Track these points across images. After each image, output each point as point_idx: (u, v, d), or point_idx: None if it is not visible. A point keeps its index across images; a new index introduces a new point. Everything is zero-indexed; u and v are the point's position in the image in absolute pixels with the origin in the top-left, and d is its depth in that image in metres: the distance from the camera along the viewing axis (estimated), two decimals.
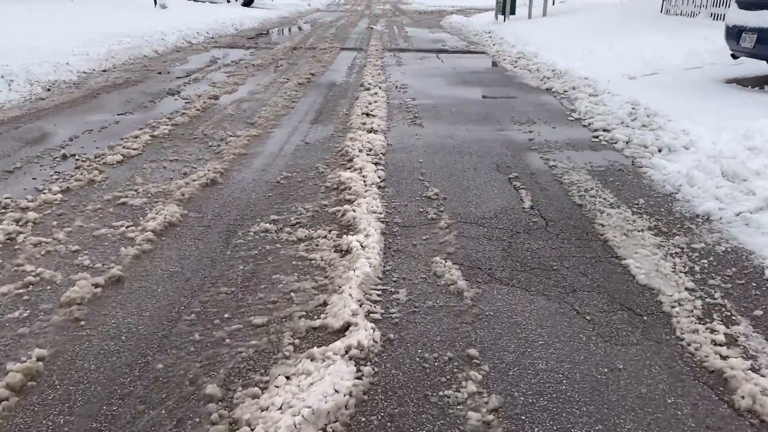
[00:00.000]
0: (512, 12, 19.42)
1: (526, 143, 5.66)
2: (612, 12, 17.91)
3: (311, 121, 6.34)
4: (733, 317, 2.71)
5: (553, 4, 28.77)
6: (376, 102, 7.21)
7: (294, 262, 3.14)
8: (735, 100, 6.78)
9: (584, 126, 6.42)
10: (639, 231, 3.63)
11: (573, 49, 11.30)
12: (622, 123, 6.32)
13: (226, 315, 2.65)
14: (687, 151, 5.13)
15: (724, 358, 2.41)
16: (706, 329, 2.60)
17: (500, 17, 20.05)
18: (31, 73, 7.55)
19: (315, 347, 2.37)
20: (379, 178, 4.44)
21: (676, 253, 3.35)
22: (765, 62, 8.05)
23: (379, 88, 8.29)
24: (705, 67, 8.99)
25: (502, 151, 5.39)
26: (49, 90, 7.31)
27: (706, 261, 3.25)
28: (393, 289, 2.89)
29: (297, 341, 2.48)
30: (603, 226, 3.72)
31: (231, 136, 5.52)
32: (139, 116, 6.30)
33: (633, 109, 6.70)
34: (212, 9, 21.69)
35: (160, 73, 9.30)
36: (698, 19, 13.70)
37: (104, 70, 8.99)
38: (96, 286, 2.84)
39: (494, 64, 11.54)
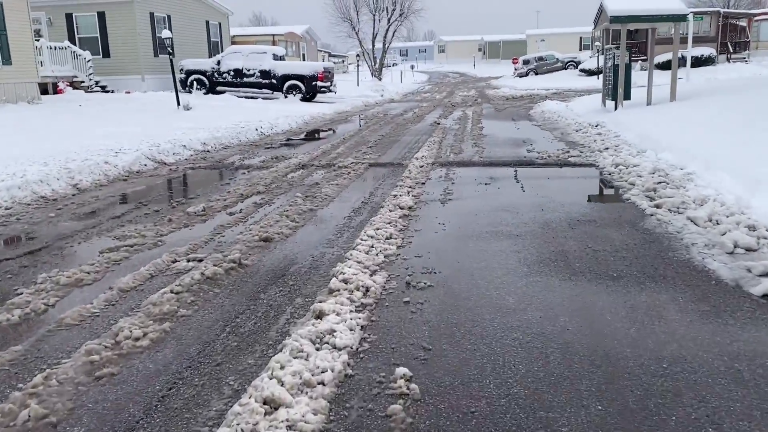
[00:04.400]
0: (626, 96, 14.50)
1: None
2: None
3: None
4: None
5: None
6: (305, 392, 2.59)
7: None
8: None
9: None
10: None
11: (763, 165, 6.22)
12: None
13: None
14: None
15: None
16: None
17: (609, 103, 15.18)
18: None
19: None
20: None
21: None
22: None
23: (361, 294, 3.67)
24: None
25: None
26: None
27: None
28: None
29: None
30: None
31: None
32: None
33: None
34: (256, 106, 18.50)
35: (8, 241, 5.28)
36: None
37: None
38: None
39: (614, 193, 6.67)
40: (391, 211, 5.89)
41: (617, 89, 14.33)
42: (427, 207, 6.18)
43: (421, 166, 8.58)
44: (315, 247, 4.84)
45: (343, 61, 63.54)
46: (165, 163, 9.36)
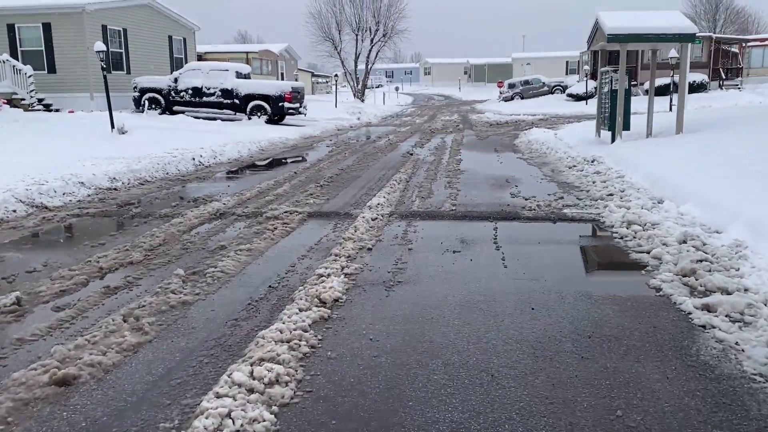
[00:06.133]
0: (626, 126, 12.64)
1: None
2: None
3: None
4: None
5: (670, 109, 21.87)
6: None
7: None
8: None
9: None
10: None
11: None
12: None
13: None
14: None
15: None
16: None
17: (604, 133, 13.32)
18: None
19: None
20: None
21: None
22: None
23: None
24: None
25: None
26: None
27: None
28: None
29: None
30: None
31: None
32: None
33: None
34: (209, 129, 16.41)
35: None
36: None
37: None
38: None
39: (635, 276, 4.62)
40: (302, 310, 3.81)
41: (615, 118, 12.46)
42: (361, 299, 4.12)
43: (374, 219, 6.53)
44: (137, 409, 2.74)
45: (327, 82, 61.79)
46: (46, 207, 7.23)
